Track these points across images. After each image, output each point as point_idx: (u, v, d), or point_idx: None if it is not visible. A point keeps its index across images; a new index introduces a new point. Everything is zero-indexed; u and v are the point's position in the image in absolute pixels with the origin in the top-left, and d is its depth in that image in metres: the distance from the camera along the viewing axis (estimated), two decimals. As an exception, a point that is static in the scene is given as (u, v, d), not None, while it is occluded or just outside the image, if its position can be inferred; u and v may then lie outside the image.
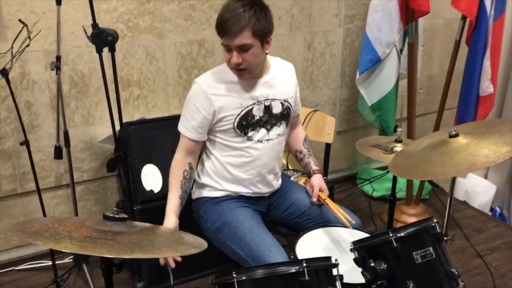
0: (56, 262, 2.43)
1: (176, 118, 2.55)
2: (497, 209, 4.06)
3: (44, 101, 2.49)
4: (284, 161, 2.69)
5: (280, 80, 1.93)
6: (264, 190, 1.99)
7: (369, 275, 1.35)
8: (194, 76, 2.79)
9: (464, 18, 2.67)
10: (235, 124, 1.84)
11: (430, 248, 1.37)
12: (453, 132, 1.62)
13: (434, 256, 1.37)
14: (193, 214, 2.05)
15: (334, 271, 1.27)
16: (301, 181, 2.29)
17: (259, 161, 1.92)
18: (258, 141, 1.90)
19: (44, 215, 2.36)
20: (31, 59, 2.39)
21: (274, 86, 1.90)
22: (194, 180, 2.00)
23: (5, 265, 2.65)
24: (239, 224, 1.82)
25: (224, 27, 1.67)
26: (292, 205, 2.03)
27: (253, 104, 1.86)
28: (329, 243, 1.81)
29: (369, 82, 2.84)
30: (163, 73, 2.74)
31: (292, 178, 2.55)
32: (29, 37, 1.99)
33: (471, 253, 2.82)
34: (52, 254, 2.39)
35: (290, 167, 2.73)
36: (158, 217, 1.90)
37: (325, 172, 2.67)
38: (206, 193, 1.96)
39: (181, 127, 1.88)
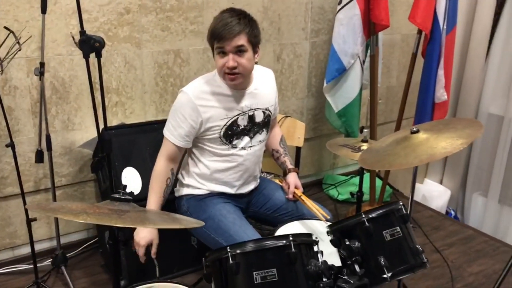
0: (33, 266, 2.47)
1: (153, 124, 2.71)
2: (452, 212, 4.35)
3: (25, 106, 2.56)
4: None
5: (262, 90, 2.07)
6: (244, 190, 2.13)
7: (345, 253, 1.52)
8: (170, 84, 2.94)
9: (420, 32, 2.93)
10: (221, 133, 1.98)
11: (398, 228, 1.56)
12: (414, 129, 1.83)
13: (401, 234, 1.56)
14: (176, 211, 2.17)
15: (315, 248, 1.43)
16: (276, 181, 2.44)
17: (242, 166, 2.06)
18: (242, 148, 2.04)
19: (27, 216, 2.40)
20: (14, 66, 2.46)
21: (257, 96, 2.05)
22: (177, 180, 2.12)
23: (-18, 270, 2.67)
24: (222, 217, 1.96)
25: (222, 31, 1.80)
26: (269, 201, 2.18)
27: (238, 114, 2.00)
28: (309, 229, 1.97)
29: (335, 90, 3.05)
30: (141, 81, 2.86)
31: (265, 180, 2.70)
32: (18, 43, 2.08)
33: (430, 248, 3.04)
34: (33, 256, 2.43)
35: (263, 170, 2.88)
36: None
37: (296, 174, 2.84)
38: (190, 191, 2.09)
39: (167, 133, 1.97)
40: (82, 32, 2.08)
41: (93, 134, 2.70)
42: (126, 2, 2.68)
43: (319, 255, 1.40)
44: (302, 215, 2.12)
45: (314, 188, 3.79)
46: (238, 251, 1.31)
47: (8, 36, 2.22)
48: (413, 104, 3.17)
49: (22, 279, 2.60)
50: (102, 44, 2.10)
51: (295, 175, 2.21)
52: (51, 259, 2.68)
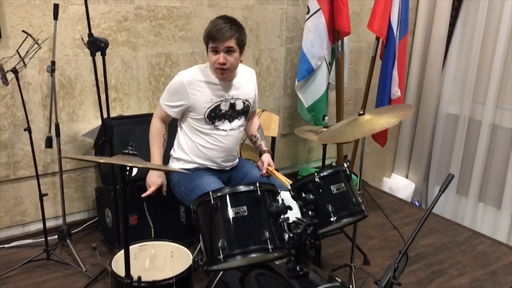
0: (42, 239, 2.86)
1: (148, 116, 3.10)
2: (416, 202, 4.80)
3: (36, 100, 2.96)
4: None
5: (244, 84, 2.53)
6: (225, 165, 2.56)
7: (301, 203, 1.95)
8: (161, 83, 3.36)
9: (378, 38, 3.40)
10: (206, 114, 2.42)
11: (342, 184, 2.00)
12: (361, 112, 2.27)
13: (345, 189, 2.00)
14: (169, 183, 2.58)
15: (279, 197, 1.85)
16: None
17: (223, 145, 2.50)
18: (223, 130, 2.48)
19: (41, 196, 2.78)
20: (28, 65, 2.85)
21: (239, 88, 2.50)
22: (170, 155, 2.55)
23: (-4, 243, 3.04)
24: (207, 186, 2.37)
25: (216, 35, 2.25)
26: (246, 177, 2.59)
27: (221, 101, 2.44)
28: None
29: (305, 88, 3.52)
30: (136, 79, 3.28)
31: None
32: (37, 43, 2.50)
33: (389, 226, 3.47)
34: (44, 227, 2.82)
35: (242, 156, 3.30)
36: (136, 193, 2.45)
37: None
38: (180, 165, 2.51)
39: (161, 102, 2.45)
40: (90, 34, 2.52)
41: (94, 125, 3.11)
42: (124, 11, 3.11)
43: (279, 199, 1.83)
44: (289, 191, 2.53)
45: (290, 179, 4.21)
46: (218, 194, 1.74)
47: (26, 38, 2.63)
48: (374, 101, 3.64)
49: (32, 251, 2.95)
50: (106, 44, 2.54)
51: (268, 155, 2.64)
52: (56, 234, 3.05)
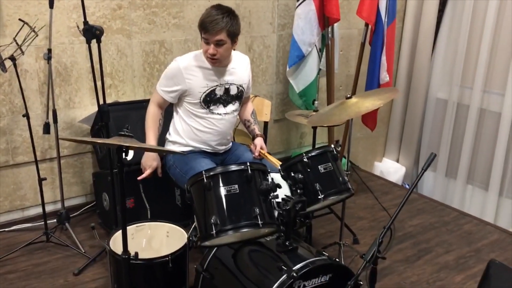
0: (41, 223, 2.96)
1: (143, 102, 3.19)
2: (406, 186, 4.91)
3: (33, 87, 3.03)
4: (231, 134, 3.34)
5: (238, 70, 2.60)
6: (219, 148, 2.65)
7: (291, 182, 2.04)
8: (155, 70, 3.44)
9: (367, 24, 3.48)
10: (201, 99, 2.50)
11: (330, 163, 2.09)
12: (348, 96, 2.36)
13: (332, 168, 2.09)
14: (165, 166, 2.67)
15: (269, 176, 1.95)
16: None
17: (217, 129, 2.58)
18: (218, 114, 2.57)
19: (40, 180, 2.87)
20: (25, 53, 2.93)
21: (234, 74, 2.58)
22: (166, 138, 2.64)
23: (-4, 227, 3.13)
24: (201, 167, 2.42)
25: (207, 26, 2.31)
26: (239, 160, 2.68)
27: (216, 85, 2.52)
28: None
29: (297, 74, 3.60)
30: (131, 67, 3.35)
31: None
32: (34, 31, 2.57)
33: (379, 207, 3.57)
34: (43, 209, 2.91)
35: (236, 141, 3.39)
36: (133, 176, 2.54)
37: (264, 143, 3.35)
38: (176, 148, 2.60)
39: (158, 87, 2.53)
40: (85, 22, 2.58)
41: (91, 111, 3.19)
42: (118, -1, 3.18)
43: (269, 177, 1.92)
44: (279, 171, 2.62)
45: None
46: (211, 173, 1.83)
47: (22, 26, 2.70)
48: (364, 86, 3.73)
49: (31, 234, 3.03)
50: (101, 31, 2.61)
51: (261, 139, 2.73)
52: (55, 218, 3.14)
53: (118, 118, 3.05)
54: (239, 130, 3.24)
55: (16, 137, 3.04)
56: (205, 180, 1.82)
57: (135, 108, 3.13)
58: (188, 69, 2.45)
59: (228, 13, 2.36)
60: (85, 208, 3.39)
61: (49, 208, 3.25)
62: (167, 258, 2.21)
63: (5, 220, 3.18)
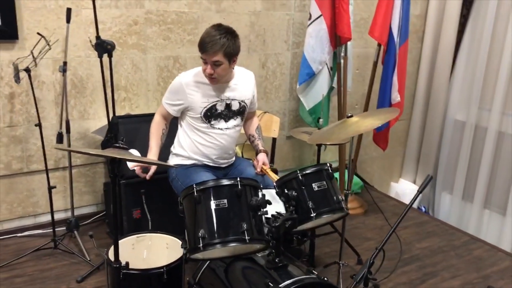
0: (51, 230, 3.04)
1: (154, 115, 3.24)
2: (423, 208, 4.83)
3: (49, 98, 3.14)
4: (239, 151, 3.39)
5: (241, 86, 2.64)
6: (220, 161, 2.68)
7: (284, 199, 2.05)
8: (169, 84, 3.50)
9: (379, 44, 3.48)
10: (202, 114, 2.55)
11: (324, 182, 2.09)
12: (349, 115, 2.36)
13: (326, 187, 2.09)
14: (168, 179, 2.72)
15: (259, 192, 1.96)
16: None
17: (218, 143, 2.62)
18: (219, 128, 2.61)
19: (50, 189, 2.97)
20: (42, 65, 3.05)
21: (235, 90, 2.62)
22: (170, 151, 2.69)
23: (9, 232, 3.22)
24: (201, 181, 2.49)
25: (205, 47, 2.37)
26: (242, 174, 2.70)
27: (217, 101, 2.57)
28: (268, 197, 2.49)
29: (307, 91, 3.62)
30: (145, 81, 3.44)
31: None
32: (48, 44, 2.68)
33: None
34: (52, 216, 3.00)
35: (244, 156, 3.42)
36: (139, 188, 2.59)
37: (271, 161, 3.38)
38: (179, 160, 2.65)
39: (163, 100, 2.62)
40: (97, 37, 2.68)
41: (104, 122, 3.27)
42: (134, 15, 3.27)
43: (260, 193, 1.94)
44: (268, 185, 2.64)
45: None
46: (201, 187, 1.86)
47: (40, 40, 2.81)
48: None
49: (41, 240, 3.11)
50: (113, 46, 2.71)
51: (264, 154, 2.74)
52: (65, 225, 3.23)
53: (130, 130, 3.13)
54: (247, 145, 3.26)
55: (31, 145, 3.15)
56: (195, 194, 1.85)
57: (147, 121, 3.15)
58: (190, 85, 2.51)
59: (227, 33, 2.38)
60: (96, 217, 3.46)
61: (61, 215, 3.34)
62: (162, 270, 2.24)
63: (18, 225, 3.28)
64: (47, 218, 3.32)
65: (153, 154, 2.54)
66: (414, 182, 5.01)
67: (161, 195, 2.88)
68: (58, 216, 3.31)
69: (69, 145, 3.09)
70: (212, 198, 1.84)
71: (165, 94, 2.62)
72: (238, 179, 1.88)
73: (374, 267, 2.22)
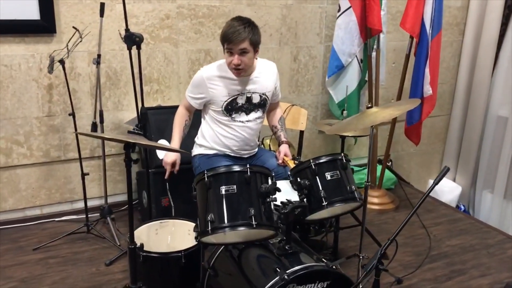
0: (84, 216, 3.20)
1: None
2: (462, 207, 4.68)
3: (85, 89, 3.29)
4: (267, 143, 3.41)
5: (262, 78, 2.67)
6: (241, 152, 2.72)
7: (296, 188, 2.07)
8: (200, 77, 3.58)
9: (411, 36, 3.41)
10: (223, 107, 2.60)
11: (337, 171, 2.09)
12: (369, 105, 2.34)
13: (340, 176, 2.09)
14: (191, 168, 2.79)
15: (269, 179, 1.98)
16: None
17: (239, 135, 2.66)
18: (240, 121, 2.65)
19: (83, 176, 3.12)
20: (78, 57, 3.20)
21: (256, 83, 2.65)
22: (194, 141, 2.76)
23: (48, 216, 3.41)
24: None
25: (231, 37, 2.40)
26: (264, 165, 2.73)
27: (238, 94, 2.61)
28: (288, 187, 2.50)
29: (336, 84, 3.60)
30: (177, 73, 3.53)
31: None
32: (81, 37, 2.81)
33: (418, 225, 3.45)
34: (85, 202, 3.15)
35: (272, 149, 3.44)
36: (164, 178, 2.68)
37: (299, 154, 3.38)
38: (202, 151, 2.72)
39: (186, 93, 2.69)
40: (126, 29, 2.79)
41: (137, 113, 3.39)
42: (167, 9, 3.37)
43: (269, 180, 1.96)
44: (288, 176, 2.66)
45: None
46: (211, 173, 1.91)
47: (74, 33, 2.95)
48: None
49: (76, 225, 3.27)
50: (141, 39, 2.80)
51: (286, 146, 2.76)
52: (99, 211, 3.36)
53: (160, 120, 3.23)
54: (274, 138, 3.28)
55: (68, 134, 3.31)
56: (206, 179, 1.90)
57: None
58: (211, 79, 2.56)
59: (249, 23, 2.44)
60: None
61: (95, 202, 3.49)
62: (180, 254, 2.31)
63: (56, 210, 3.46)
64: (83, 204, 3.47)
65: (174, 143, 2.61)
66: (454, 180, 4.86)
67: (185, 184, 2.94)
68: (93, 203, 3.47)
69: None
70: (222, 184, 1.88)
71: (188, 87, 2.69)
72: (248, 165, 1.90)
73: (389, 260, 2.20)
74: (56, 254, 2.98)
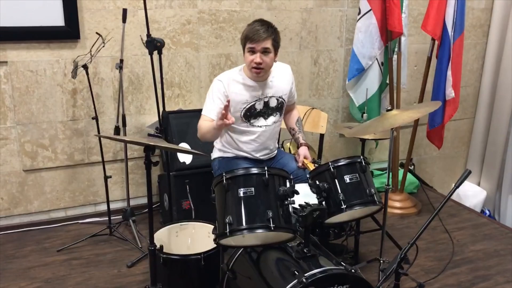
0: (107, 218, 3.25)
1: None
2: (487, 211, 4.59)
3: (108, 94, 3.35)
4: (288, 146, 3.41)
5: (277, 81, 2.68)
6: (259, 156, 2.73)
7: (315, 191, 2.06)
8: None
9: (433, 39, 3.37)
10: (242, 114, 2.62)
11: (356, 174, 2.08)
12: (389, 108, 2.32)
13: (359, 179, 2.08)
14: (211, 171, 2.81)
15: (287, 181, 1.98)
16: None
17: (258, 140, 2.68)
18: (258, 126, 2.67)
19: (106, 178, 3.18)
20: (102, 62, 3.27)
21: (273, 87, 2.66)
22: (213, 145, 2.78)
23: (72, 219, 3.47)
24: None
25: (253, 36, 2.42)
26: (284, 167, 2.73)
27: (256, 100, 2.62)
28: (308, 190, 2.49)
29: (357, 87, 3.58)
30: (198, 78, 3.57)
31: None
32: (103, 42, 2.87)
33: (441, 229, 3.39)
34: (108, 203, 3.20)
35: (292, 152, 3.44)
36: (188, 179, 2.71)
37: (319, 157, 3.37)
38: (221, 154, 2.74)
39: (206, 113, 2.59)
40: (148, 35, 2.83)
41: (158, 117, 3.44)
42: (188, 15, 3.41)
43: (287, 183, 1.96)
44: (307, 179, 2.65)
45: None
46: (230, 175, 1.92)
47: (97, 39, 3.01)
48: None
49: (99, 227, 3.31)
50: (162, 44, 2.84)
51: (305, 148, 2.76)
52: (122, 213, 3.41)
53: (181, 124, 3.27)
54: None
55: (92, 138, 3.38)
56: (224, 181, 1.91)
57: (198, 116, 3.28)
58: (231, 85, 2.58)
59: (271, 25, 2.48)
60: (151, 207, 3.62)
61: (118, 205, 3.55)
62: (199, 256, 2.33)
63: (80, 213, 3.52)
64: (105, 206, 3.52)
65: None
66: (479, 184, 4.77)
67: (206, 186, 2.97)
68: (116, 205, 3.52)
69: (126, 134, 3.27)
70: (240, 186, 1.89)
71: (207, 106, 2.61)
72: (266, 168, 1.91)
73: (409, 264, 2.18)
74: (79, 256, 3.03)
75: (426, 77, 3.48)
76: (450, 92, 3.30)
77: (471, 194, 4.64)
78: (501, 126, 4.43)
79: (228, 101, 2.32)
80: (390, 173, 2.69)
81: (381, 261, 2.60)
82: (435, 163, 4.72)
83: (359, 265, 2.74)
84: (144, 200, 3.66)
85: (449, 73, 3.27)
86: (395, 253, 2.99)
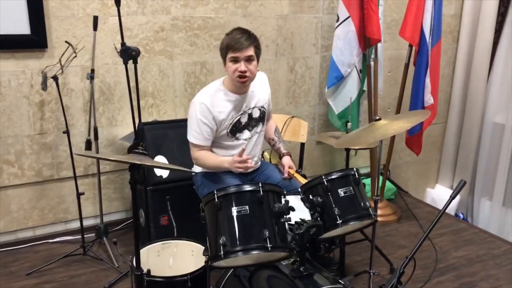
0: (80, 236, 3.06)
1: (181, 121, 3.24)
2: (461, 215, 4.64)
3: (78, 105, 3.18)
4: (268, 156, 3.32)
5: (258, 91, 2.60)
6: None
7: (308, 205, 1.98)
8: (197, 90, 3.46)
9: (411, 45, 3.37)
10: (228, 130, 2.52)
11: (350, 187, 2.01)
12: (377, 117, 2.28)
13: (353, 192, 2.01)
14: (193, 186, 2.69)
15: (282, 197, 1.89)
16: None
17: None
18: (244, 139, 2.57)
19: (78, 195, 2.99)
20: (71, 73, 3.09)
21: (254, 97, 2.58)
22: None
23: (41, 238, 3.26)
24: (226, 187, 2.45)
25: (236, 44, 2.33)
26: (269, 179, 2.65)
27: (241, 114, 2.53)
28: (296, 202, 2.41)
29: (336, 95, 3.53)
30: (172, 87, 3.44)
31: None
32: (75, 52, 2.70)
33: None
34: (81, 222, 3.02)
35: (272, 162, 3.35)
36: (166, 194, 2.57)
37: (300, 166, 3.29)
38: (204, 169, 2.61)
39: (193, 140, 2.47)
40: (123, 43, 2.69)
41: (132, 129, 3.26)
42: (161, 22, 3.28)
43: (283, 199, 1.87)
44: (296, 189, 2.56)
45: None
46: (222, 193, 1.81)
47: (67, 48, 2.84)
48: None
49: (71, 246, 3.13)
50: (137, 53, 2.71)
51: (288, 158, 2.68)
52: (94, 231, 3.24)
53: (157, 136, 3.12)
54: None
55: (61, 152, 3.19)
56: (216, 200, 1.80)
57: (174, 127, 3.18)
58: (214, 105, 2.45)
59: (250, 33, 2.41)
60: (125, 223, 3.47)
61: (90, 222, 3.37)
62: (186, 278, 2.20)
63: (49, 231, 3.32)
64: (77, 224, 3.34)
65: (227, 159, 2.46)
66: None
67: (187, 202, 2.85)
68: (88, 222, 3.34)
69: (97, 152, 3.11)
70: (233, 205, 1.79)
71: (192, 133, 2.49)
72: (260, 184, 1.82)
73: (406, 276, 2.13)
74: (51, 279, 2.84)
75: (404, 84, 3.48)
76: (428, 99, 3.30)
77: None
78: (472, 130, 4.49)
79: (243, 149, 2.37)
80: (376, 183, 2.66)
81: (371, 273, 2.55)
82: (409, 168, 4.74)
83: (348, 278, 2.69)
84: (118, 216, 3.52)
85: (427, 80, 3.27)
86: (380, 262, 2.98)
